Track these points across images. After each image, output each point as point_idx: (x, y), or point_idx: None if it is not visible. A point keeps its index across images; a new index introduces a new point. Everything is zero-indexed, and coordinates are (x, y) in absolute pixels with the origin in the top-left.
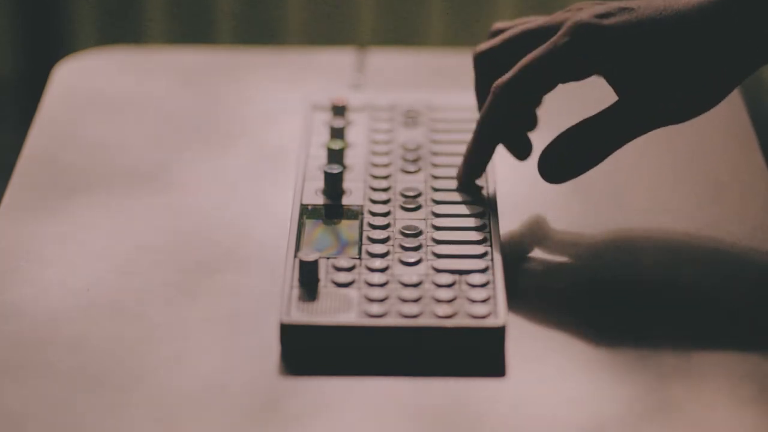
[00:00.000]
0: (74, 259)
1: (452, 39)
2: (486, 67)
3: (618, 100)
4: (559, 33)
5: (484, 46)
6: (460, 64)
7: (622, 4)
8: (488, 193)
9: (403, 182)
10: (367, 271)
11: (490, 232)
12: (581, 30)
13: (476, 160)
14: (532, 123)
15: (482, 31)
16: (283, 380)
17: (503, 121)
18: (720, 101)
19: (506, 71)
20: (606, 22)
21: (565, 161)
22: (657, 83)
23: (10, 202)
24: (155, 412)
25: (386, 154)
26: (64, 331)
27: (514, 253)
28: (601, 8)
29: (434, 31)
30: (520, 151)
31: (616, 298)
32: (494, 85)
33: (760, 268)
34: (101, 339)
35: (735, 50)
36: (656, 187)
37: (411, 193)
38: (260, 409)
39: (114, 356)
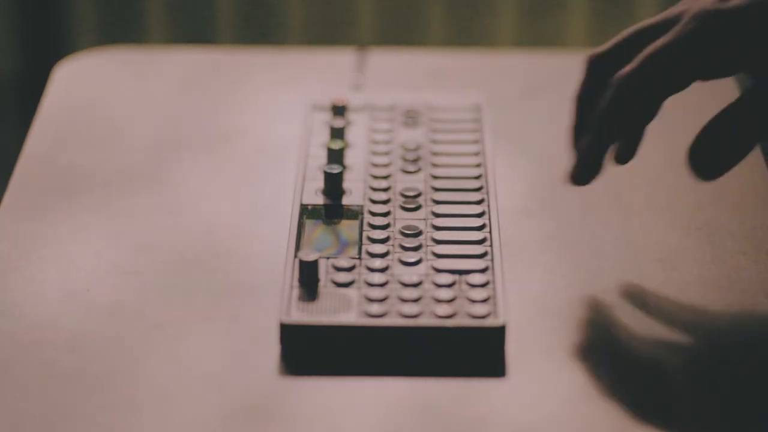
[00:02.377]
0: (74, 259)
1: (452, 39)
2: (600, 71)
3: (756, 83)
4: (683, 22)
5: (599, 49)
6: (460, 64)
7: None
8: (488, 193)
9: (403, 182)
10: (367, 271)
11: (490, 232)
12: (707, 16)
13: (593, 158)
14: (630, 152)
15: (482, 31)
16: (283, 380)
17: (626, 117)
18: None
19: None
20: (731, 3)
21: (716, 153)
22: None
23: (10, 202)
24: (155, 412)
25: (386, 154)
26: (64, 331)
27: (514, 253)
28: None
29: (434, 31)
30: (624, 153)
31: (616, 298)
32: (615, 77)
33: (760, 267)
34: (101, 339)
35: None
36: (656, 187)
37: (411, 193)
38: (260, 409)
39: (114, 356)
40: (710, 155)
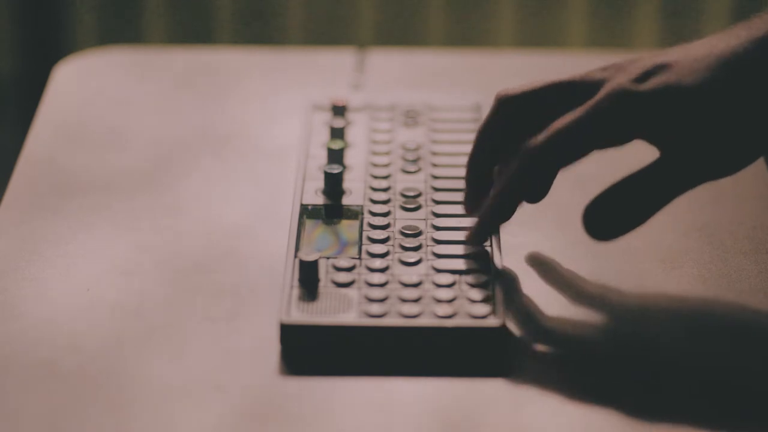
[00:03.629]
0: (74, 259)
1: (452, 39)
2: (509, 113)
3: (663, 155)
4: (598, 98)
5: (511, 90)
6: (460, 64)
7: (660, 60)
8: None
9: (403, 182)
10: (367, 271)
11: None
12: (620, 97)
13: (494, 223)
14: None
15: (482, 31)
16: (283, 380)
17: (532, 185)
18: None
19: (529, 121)
20: (645, 86)
21: (613, 218)
22: (703, 140)
23: (10, 202)
24: (155, 412)
25: (386, 154)
26: (64, 331)
27: (514, 253)
28: (638, 69)
29: (434, 31)
30: (532, 199)
31: (615, 297)
32: (527, 146)
33: (761, 267)
34: (101, 339)
35: None
36: None
37: (411, 193)
38: (260, 409)
39: (114, 356)
40: (606, 220)
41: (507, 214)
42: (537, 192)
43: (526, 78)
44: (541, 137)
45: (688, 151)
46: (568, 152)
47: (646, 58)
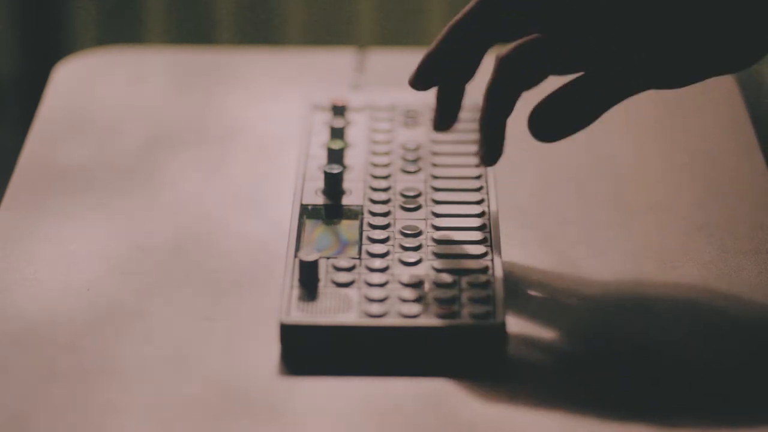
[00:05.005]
0: (74, 259)
1: None
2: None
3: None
4: None
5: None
6: None
7: None
8: (488, 193)
9: (403, 182)
10: (367, 271)
11: (490, 232)
12: None
13: (495, 137)
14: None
15: None
16: (283, 380)
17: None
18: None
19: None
20: None
21: (558, 118)
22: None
23: (10, 202)
24: (155, 412)
25: (386, 154)
26: (64, 331)
27: (514, 253)
28: None
29: (434, 31)
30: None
31: (616, 297)
32: (499, 55)
33: (761, 268)
34: (101, 339)
35: None
36: (656, 187)
37: (411, 193)
38: (260, 409)
39: (114, 356)
40: (551, 120)
41: (502, 128)
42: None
43: None
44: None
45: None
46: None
47: None
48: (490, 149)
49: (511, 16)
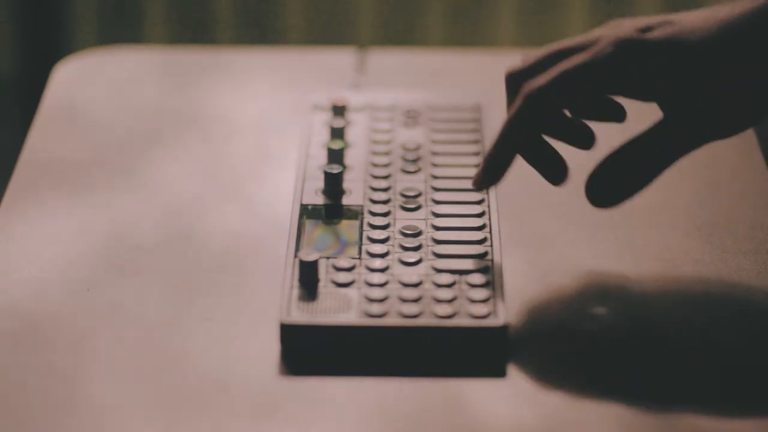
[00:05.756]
0: (74, 259)
1: (452, 39)
2: (517, 87)
3: (664, 117)
4: (601, 45)
5: (515, 65)
6: (460, 64)
7: (663, 18)
8: (488, 193)
9: (403, 182)
10: (367, 271)
11: (490, 232)
12: (625, 43)
13: (496, 167)
14: (585, 139)
15: (482, 31)
16: (283, 380)
17: (530, 128)
18: None
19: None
20: (649, 36)
21: (615, 184)
22: (705, 97)
23: (10, 202)
24: (155, 412)
25: (386, 154)
26: (64, 331)
27: (514, 253)
28: (641, 22)
29: (434, 31)
30: (555, 174)
31: (616, 297)
32: (525, 87)
33: (761, 268)
34: (101, 339)
35: None
36: (656, 187)
37: (411, 193)
38: (260, 409)
39: (114, 356)
40: (608, 187)
41: (508, 157)
42: (536, 148)
43: None
44: (542, 78)
45: (689, 109)
46: (566, 93)
47: (647, 17)
48: (487, 177)
49: (565, 104)
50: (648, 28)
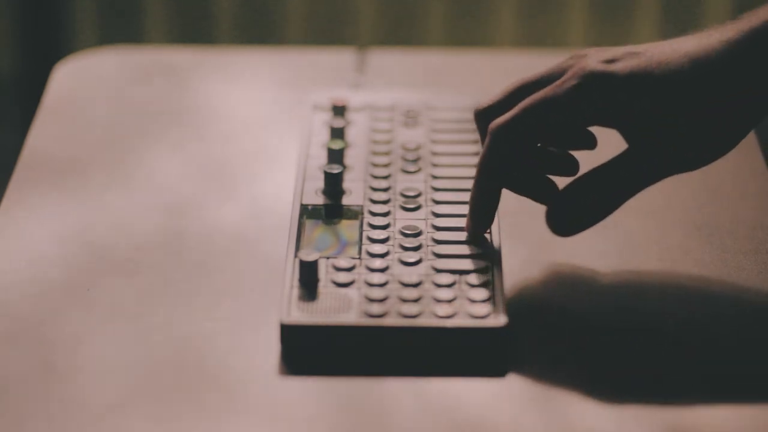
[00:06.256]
0: (73, 259)
1: (452, 39)
2: (488, 124)
3: (629, 148)
4: (566, 77)
5: (483, 102)
6: (460, 64)
7: (629, 49)
8: None
9: (403, 182)
10: (367, 271)
11: (490, 231)
12: (589, 75)
13: (481, 209)
14: (568, 166)
15: (482, 31)
16: (283, 380)
17: (502, 165)
18: (735, 145)
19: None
20: (614, 67)
21: (575, 213)
22: (670, 130)
23: (10, 202)
24: (155, 412)
25: (386, 154)
26: (64, 331)
27: (514, 253)
28: (607, 54)
29: (434, 31)
30: (544, 196)
31: (616, 297)
32: (491, 125)
33: (761, 267)
34: (101, 339)
35: (750, 92)
36: (656, 187)
37: (411, 193)
38: (260, 408)
39: (114, 356)
40: (568, 216)
41: (491, 197)
42: (519, 179)
43: None
44: (507, 114)
45: (653, 141)
46: (531, 127)
47: (613, 48)
48: (477, 223)
49: (537, 139)
50: (613, 60)
